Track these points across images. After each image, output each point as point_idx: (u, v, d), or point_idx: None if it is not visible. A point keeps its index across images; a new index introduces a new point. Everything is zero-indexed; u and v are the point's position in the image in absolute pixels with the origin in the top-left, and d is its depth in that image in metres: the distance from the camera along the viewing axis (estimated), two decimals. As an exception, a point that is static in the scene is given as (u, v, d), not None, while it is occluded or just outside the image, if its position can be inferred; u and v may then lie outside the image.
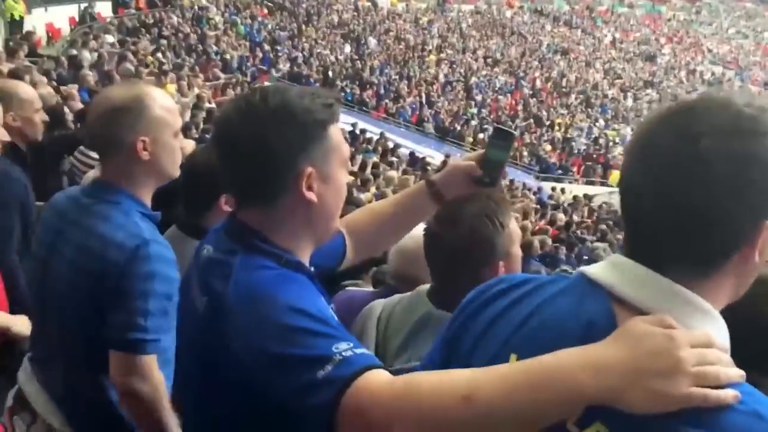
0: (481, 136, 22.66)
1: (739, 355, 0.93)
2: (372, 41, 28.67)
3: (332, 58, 25.39)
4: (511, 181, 17.64)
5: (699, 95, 0.96)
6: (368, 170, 11.35)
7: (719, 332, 0.93)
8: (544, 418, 0.90)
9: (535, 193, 17.19)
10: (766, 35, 56.14)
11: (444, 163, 15.25)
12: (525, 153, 23.89)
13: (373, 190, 9.67)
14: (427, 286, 1.81)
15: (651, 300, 0.92)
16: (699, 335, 0.88)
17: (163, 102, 1.90)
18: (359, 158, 12.78)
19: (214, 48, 20.34)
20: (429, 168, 15.00)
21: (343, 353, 1.09)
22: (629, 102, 34.30)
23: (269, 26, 26.19)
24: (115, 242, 1.76)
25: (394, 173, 11.75)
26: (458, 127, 23.80)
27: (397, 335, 1.76)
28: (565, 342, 0.93)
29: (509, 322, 1.05)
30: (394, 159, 14.68)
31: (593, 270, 1.00)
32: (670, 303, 0.91)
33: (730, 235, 0.91)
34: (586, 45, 41.69)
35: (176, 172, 1.96)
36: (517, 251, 1.74)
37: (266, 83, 20.02)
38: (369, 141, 16.52)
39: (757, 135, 0.90)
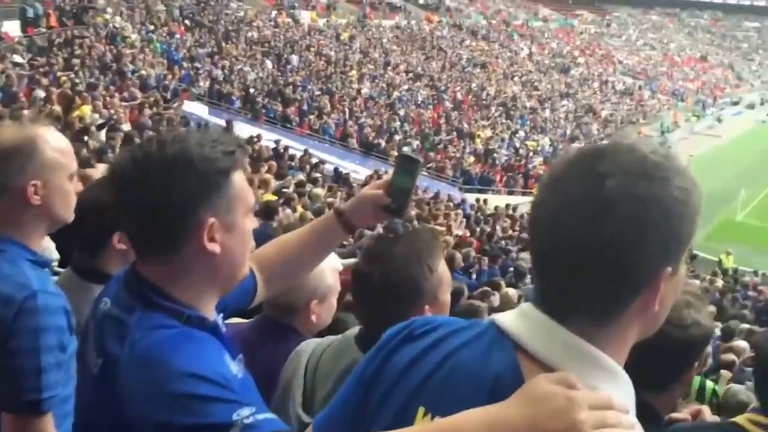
0: (405, 149, 22.83)
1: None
2: (294, 58, 28.55)
3: (253, 75, 25.14)
4: (436, 194, 17.87)
5: (609, 140, 0.98)
6: (291, 188, 11.24)
7: (621, 391, 0.92)
8: None
9: (458, 205, 17.43)
10: (671, 46, 59.07)
11: (371, 177, 15.29)
12: (449, 166, 24.24)
13: (299, 209, 9.57)
14: (355, 331, 1.78)
15: (554, 354, 0.92)
16: (599, 397, 0.87)
17: (57, 143, 1.83)
18: (289, 178, 12.61)
19: (131, 66, 19.79)
20: (354, 184, 14.99)
21: (245, 420, 1.08)
22: (547, 113, 35.35)
23: (188, 43, 25.71)
24: (1, 296, 1.68)
25: (320, 190, 11.70)
26: (383, 142, 23.94)
27: (324, 384, 1.73)
28: (473, 398, 0.93)
29: (420, 370, 1.03)
30: (318, 175, 14.59)
31: (503, 318, 1.00)
32: (573, 359, 0.91)
33: (629, 278, 0.90)
34: (504, 58, 42.76)
35: (70, 217, 1.88)
36: (446, 298, 1.73)
37: (186, 102, 19.62)
38: (293, 158, 16.38)
39: (661, 179, 0.91)
